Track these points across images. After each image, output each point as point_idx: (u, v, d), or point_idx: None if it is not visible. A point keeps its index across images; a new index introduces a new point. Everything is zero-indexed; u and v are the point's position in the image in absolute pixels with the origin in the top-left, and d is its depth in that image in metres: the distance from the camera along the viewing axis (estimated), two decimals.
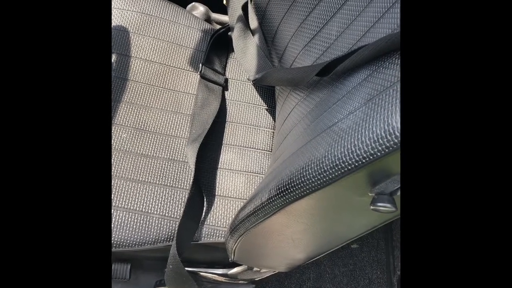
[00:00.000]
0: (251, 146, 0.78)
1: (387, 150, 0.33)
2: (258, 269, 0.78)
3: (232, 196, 0.72)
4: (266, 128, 0.80)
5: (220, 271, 0.77)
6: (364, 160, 0.35)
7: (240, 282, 0.82)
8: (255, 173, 0.75)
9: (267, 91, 0.84)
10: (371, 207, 0.38)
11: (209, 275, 0.78)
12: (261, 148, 0.78)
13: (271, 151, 0.78)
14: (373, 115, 0.36)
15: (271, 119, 0.81)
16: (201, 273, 0.77)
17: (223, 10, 0.91)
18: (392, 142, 0.33)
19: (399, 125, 0.32)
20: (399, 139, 0.32)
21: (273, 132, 0.80)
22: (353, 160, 0.36)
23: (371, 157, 0.35)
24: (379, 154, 0.34)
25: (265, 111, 0.82)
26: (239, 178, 0.74)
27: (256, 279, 0.83)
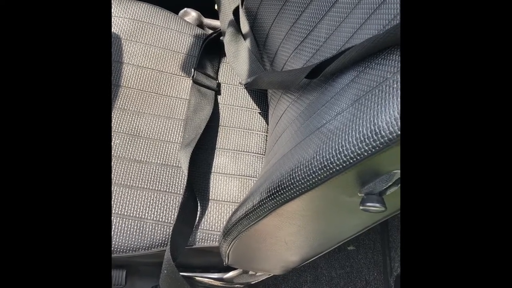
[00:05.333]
0: (245, 150, 0.78)
1: (373, 150, 0.34)
2: (254, 273, 0.78)
3: (226, 200, 0.72)
4: (259, 131, 0.80)
5: (215, 275, 0.77)
6: (351, 160, 0.35)
7: (236, 286, 0.82)
8: (248, 176, 0.75)
9: (259, 95, 0.84)
10: (361, 207, 0.38)
11: (205, 280, 0.78)
12: (254, 152, 0.78)
13: (264, 154, 0.78)
14: (360, 115, 0.36)
15: (264, 122, 0.82)
16: (197, 278, 0.77)
17: (215, 15, 0.92)
18: (378, 142, 0.33)
19: (384, 125, 0.33)
20: (385, 138, 0.33)
21: (266, 135, 0.80)
22: (341, 160, 0.36)
23: (358, 157, 0.35)
24: (366, 154, 0.34)
25: (258, 115, 0.82)
26: (232, 182, 0.74)
27: (252, 283, 0.83)
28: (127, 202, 0.69)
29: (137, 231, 0.67)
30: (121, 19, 0.83)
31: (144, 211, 0.69)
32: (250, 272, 0.78)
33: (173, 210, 0.70)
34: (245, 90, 0.85)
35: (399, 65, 0.35)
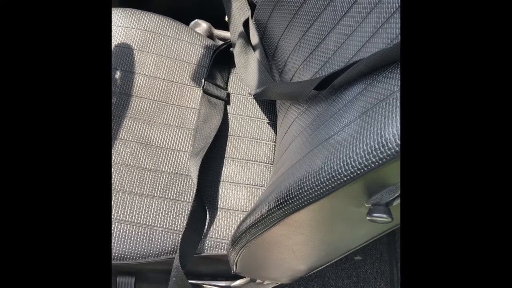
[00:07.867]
0: (253, 159, 0.79)
1: (380, 162, 0.34)
2: (261, 281, 0.79)
3: (234, 209, 0.73)
4: (268, 141, 0.81)
5: (223, 283, 0.78)
6: (359, 172, 0.36)
7: None
8: (257, 185, 0.76)
9: (268, 105, 0.85)
10: (368, 218, 0.39)
11: None
12: (262, 161, 0.79)
13: (272, 164, 0.79)
14: (367, 127, 0.37)
15: (273, 132, 0.83)
16: (205, 286, 0.78)
17: (226, 27, 0.93)
18: (385, 154, 0.34)
19: (391, 137, 0.33)
20: (392, 150, 0.33)
21: (275, 145, 0.81)
22: (349, 171, 0.37)
23: (365, 168, 0.35)
24: (373, 165, 0.35)
25: (267, 125, 0.83)
26: (241, 190, 0.75)
27: None
28: (137, 210, 0.70)
29: (147, 238, 0.68)
30: (134, 30, 0.85)
31: (154, 218, 0.70)
32: (258, 281, 0.78)
33: (183, 218, 0.71)
34: (254, 101, 0.86)
35: None
